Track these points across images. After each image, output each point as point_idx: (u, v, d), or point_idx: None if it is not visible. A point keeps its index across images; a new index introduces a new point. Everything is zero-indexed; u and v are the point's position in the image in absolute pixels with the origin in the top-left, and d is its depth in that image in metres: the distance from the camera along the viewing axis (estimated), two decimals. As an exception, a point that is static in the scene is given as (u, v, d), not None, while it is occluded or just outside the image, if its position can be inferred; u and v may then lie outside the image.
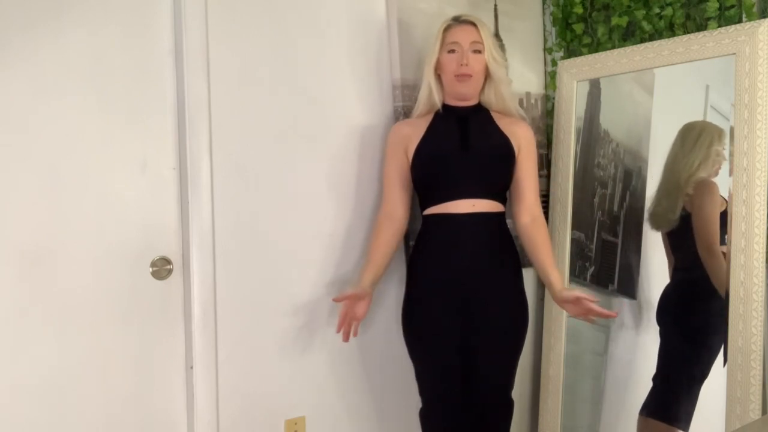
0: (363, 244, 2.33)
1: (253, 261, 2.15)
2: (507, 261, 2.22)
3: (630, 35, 2.52)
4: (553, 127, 2.68)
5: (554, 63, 2.73)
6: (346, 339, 2.13)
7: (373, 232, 2.26)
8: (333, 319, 2.25)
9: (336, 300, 2.12)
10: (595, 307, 2.05)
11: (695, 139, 2.29)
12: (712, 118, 2.28)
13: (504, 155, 2.21)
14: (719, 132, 2.25)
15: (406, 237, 2.33)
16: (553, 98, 2.70)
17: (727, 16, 2.26)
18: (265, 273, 2.17)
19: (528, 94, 2.71)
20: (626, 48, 2.45)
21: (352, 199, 2.34)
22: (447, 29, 2.20)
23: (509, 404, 2.24)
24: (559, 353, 2.58)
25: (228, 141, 2.11)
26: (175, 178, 2.06)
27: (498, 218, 2.20)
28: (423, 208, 2.24)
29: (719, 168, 2.24)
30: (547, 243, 2.23)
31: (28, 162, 1.84)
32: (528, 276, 2.45)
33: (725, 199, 2.21)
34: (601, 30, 2.59)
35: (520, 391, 2.56)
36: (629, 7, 2.50)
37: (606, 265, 2.52)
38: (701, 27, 2.33)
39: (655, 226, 2.40)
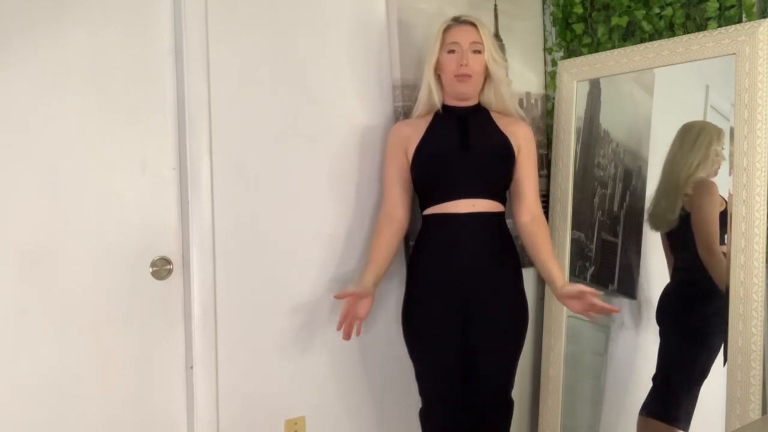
0: (363, 244, 2.34)
1: (253, 261, 2.15)
2: (507, 261, 2.22)
3: (630, 35, 2.52)
4: (553, 127, 2.68)
5: (554, 63, 2.73)
6: (347, 337, 2.12)
7: (374, 232, 2.26)
8: (333, 318, 2.25)
9: (337, 297, 2.12)
10: (599, 301, 2.03)
11: (694, 139, 2.29)
12: (712, 118, 2.28)
13: (504, 155, 2.21)
14: (718, 132, 2.25)
15: (406, 237, 2.33)
16: (553, 98, 2.70)
17: (727, 16, 2.26)
18: (265, 273, 2.17)
19: (528, 94, 2.71)
20: (626, 48, 2.45)
21: (352, 199, 2.34)
22: (447, 29, 2.20)
23: (509, 404, 2.24)
24: (559, 353, 2.58)
25: (228, 141, 2.11)
26: (175, 178, 2.06)
27: (498, 218, 2.20)
28: (423, 208, 2.24)
29: (718, 168, 2.24)
30: (547, 240, 2.23)
31: (28, 162, 1.84)
32: (528, 276, 2.46)
33: (724, 199, 2.21)
34: (601, 30, 2.59)
35: (520, 391, 2.56)
36: (629, 7, 2.50)
37: (606, 265, 2.52)
38: (701, 27, 2.33)
39: (655, 226, 2.40)
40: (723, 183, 2.21)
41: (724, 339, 2.15)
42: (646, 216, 2.42)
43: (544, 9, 2.78)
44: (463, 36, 2.17)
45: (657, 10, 2.42)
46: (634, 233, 2.45)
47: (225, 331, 2.11)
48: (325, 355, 2.30)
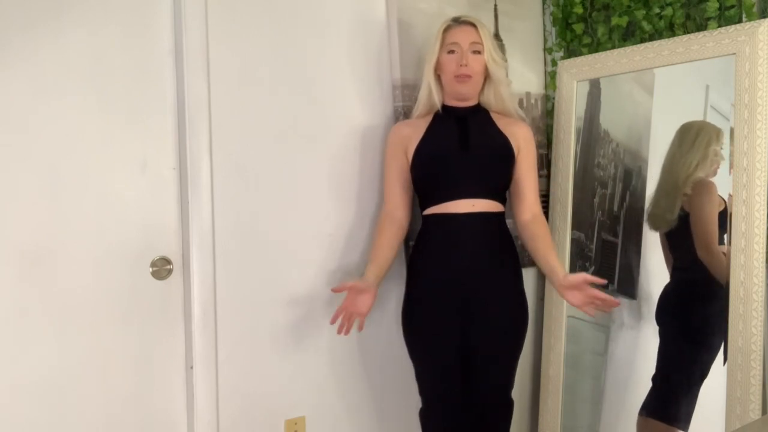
0: (363, 244, 2.34)
1: (253, 261, 2.15)
2: (507, 261, 2.22)
3: (630, 35, 2.52)
4: (553, 127, 2.68)
5: (554, 63, 2.73)
6: (342, 332, 2.08)
7: (375, 231, 2.26)
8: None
9: (335, 290, 2.11)
10: (600, 293, 2.01)
11: (693, 139, 2.30)
12: (712, 118, 2.27)
13: (503, 155, 2.21)
14: (717, 132, 2.25)
15: (406, 237, 2.32)
16: (553, 98, 2.70)
17: (727, 16, 2.26)
18: (265, 273, 2.17)
19: (528, 94, 2.71)
20: (626, 48, 2.45)
21: (352, 198, 2.34)
22: (447, 30, 2.20)
23: (509, 404, 2.24)
24: (559, 353, 2.58)
25: (228, 141, 2.11)
26: (175, 178, 2.06)
27: (498, 218, 2.20)
28: (423, 208, 2.24)
29: (717, 168, 2.24)
30: (547, 236, 2.22)
31: (28, 162, 1.84)
32: (528, 276, 2.46)
33: (723, 199, 2.21)
34: (601, 30, 2.59)
35: (520, 391, 2.56)
36: (629, 7, 2.50)
37: (606, 265, 2.52)
38: (701, 27, 2.33)
39: (654, 226, 2.40)
40: (722, 183, 2.21)
41: (724, 339, 2.15)
42: (645, 216, 2.42)
43: (544, 9, 2.78)
44: (462, 36, 2.17)
45: (657, 10, 2.42)
46: (634, 233, 2.45)
47: (225, 331, 2.11)
48: (325, 355, 2.30)
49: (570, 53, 2.70)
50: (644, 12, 2.45)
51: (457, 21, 2.21)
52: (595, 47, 2.61)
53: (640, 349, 2.42)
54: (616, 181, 2.50)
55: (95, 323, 1.93)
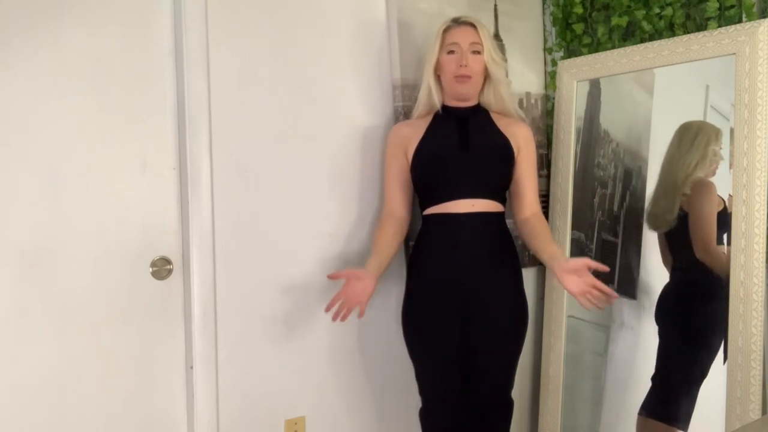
0: (363, 244, 2.33)
1: (253, 261, 2.15)
2: (507, 261, 2.22)
3: (630, 35, 2.52)
4: (553, 127, 2.68)
5: (554, 63, 2.73)
6: (342, 319, 2.05)
7: (376, 229, 2.26)
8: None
9: (330, 277, 2.10)
10: (600, 283, 1.98)
11: (692, 139, 2.30)
12: (712, 118, 2.28)
13: (503, 156, 2.21)
14: (716, 131, 2.25)
15: (406, 237, 2.32)
16: (553, 98, 2.71)
17: (727, 16, 2.26)
18: (265, 273, 2.17)
19: (528, 94, 2.71)
20: (626, 48, 2.45)
21: (352, 198, 2.34)
22: (446, 30, 2.20)
23: (509, 404, 2.24)
24: (559, 353, 2.58)
25: (228, 141, 2.11)
26: (175, 178, 2.06)
27: (498, 218, 2.20)
28: (423, 209, 2.24)
29: (716, 168, 2.25)
30: (547, 231, 2.22)
31: (28, 162, 1.84)
32: (528, 276, 2.46)
33: (722, 199, 2.21)
34: (601, 30, 2.59)
35: (520, 391, 2.56)
36: (629, 7, 2.50)
37: (606, 265, 2.52)
38: (701, 27, 2.33)
39: (653, 226, 2.40)
40: (721, 183, 2.21)
41: (724, 339, 2.15)
42: (645, 216, 2.42)
43: (544, 9, 2.79)
44: (462, 37, 2.17)
45: (657, 10, 2.42)
46: (634, 233, 2.45)
47: (225, 331, 2.11)
48: (325, 355, 2.30)
49: (570, 53, 2.70)
50: (644, 12, 2.45)
51: (457, 21, 2.21)
52: (595, 47, 2.61)
53: (640, 349, 2.42)
54: (616, 181, 2.50)
55: (95, 323, 1.93)
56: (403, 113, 2.38)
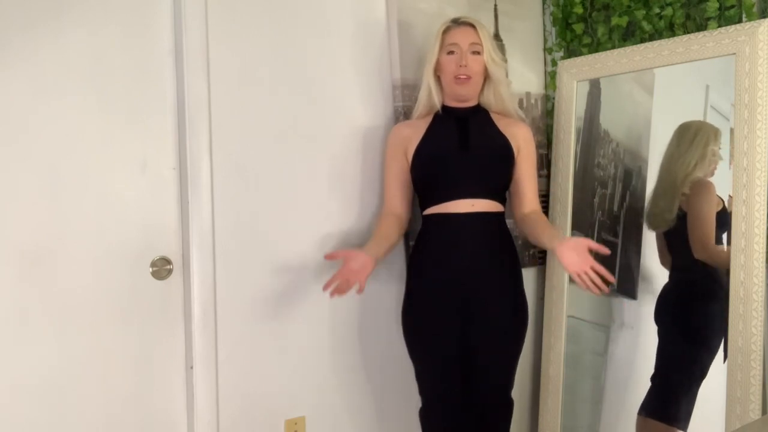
0: (363, 243, 2.33)
1: (253, 261, 2.15)
2: (507, 261, 2.22)
3: (630, 35, 2.52)
4: (553, 127, 2.68)
5: (554, 63, 2.73)
6: (339, 293, 2.03)
7: (375, 225, 2.27)
8: (334, 318, 2.25)
9: (327, 257, 2.11)
10: (597, 264, 1.98)
11: (691, 139, 2.30)
12: (712, 118, 2.28)
13: (503, 156, 2.21)
14: (715, 131, 2.25)
15: (406, 237, 2.33)
16: (553, 98, 2.71)
17: (727, 16, 2.26)
18: (265, 273, 2.17)
19: (528, 94, 2.71)
20: (626, 48, 2.45)
21: (352, 199, 2.34)
22: (446, 31, 2.20)
23: (509, 404, 2.24)
24: (559, 353, 2.58)
25: (228, 141, 2.11)
26: (175, 178, 2.06)
27: (497, 218, 2.20)
28: (423, 209, 2.24)
29: (715, 168, 2.25)
30: (547, 220, 2.24)
31: (28, 162, 1.84)
32: (528, 276, 2.46)
33: (722, 199, 2.21)
34: (601, 30, 2.59)
35: (520, 391, 2.56)
36: (629, 7, 2.50)
37: (606, 265, 2.51)
38: (701, 27, 2.33)
39: (653, 226, 2.40)
40: (721, 183, 2.21)
41: (724, 339, 2.15)
42: (644, 216, 2.42)
43: (544, 9, 2.79)
44: (462, 37, 2.17)
45: (657, 10, 2.42)
46: (634, 233, 2.45)
47: (225, 331, 2.11)
48: (325, 355, 2.30)
49: (570, 53, 2.70)
50: (644, 12, 2.45)
51: (457, 22, 2.21)
52: (595, 47, 2.61)
53: (640, 349, 2.42)
54: (616, 181, 2.50)
55: (95, 323, 1.93)
56: (403, 113, 2.38)
